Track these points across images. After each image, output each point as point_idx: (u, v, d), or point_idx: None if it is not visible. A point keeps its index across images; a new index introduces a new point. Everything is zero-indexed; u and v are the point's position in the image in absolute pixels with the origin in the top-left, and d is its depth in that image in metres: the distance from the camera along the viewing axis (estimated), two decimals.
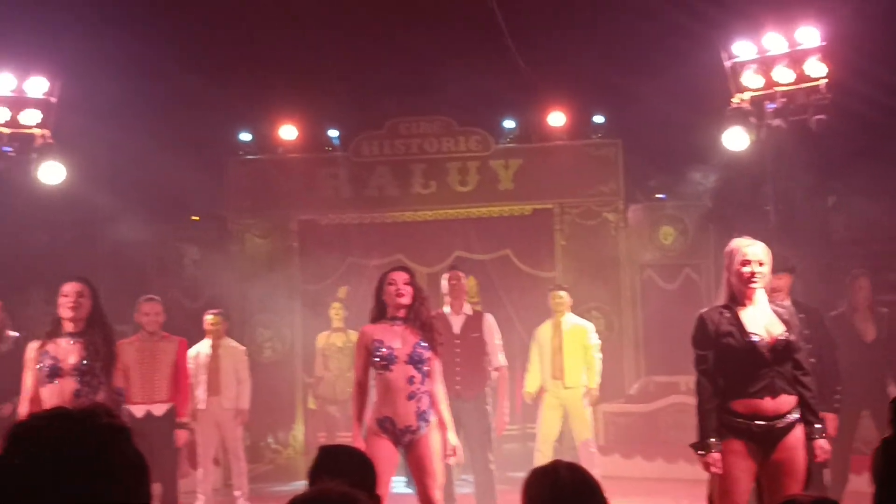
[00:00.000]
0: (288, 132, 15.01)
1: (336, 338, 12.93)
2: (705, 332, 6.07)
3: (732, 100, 12.15)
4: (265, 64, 14.84)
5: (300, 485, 3.46)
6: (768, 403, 5.92)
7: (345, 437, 13.09)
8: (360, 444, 6.62)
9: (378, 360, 7.05)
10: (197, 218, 15.55)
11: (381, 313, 7.23)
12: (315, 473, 3.41)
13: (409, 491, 10.31)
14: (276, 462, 14.47)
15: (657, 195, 15.39)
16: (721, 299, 6.22)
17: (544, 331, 11.37)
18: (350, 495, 2.38)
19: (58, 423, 1.83)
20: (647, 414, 12.52)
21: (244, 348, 11.30)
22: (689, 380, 12.59)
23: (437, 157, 15.07)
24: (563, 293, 11.57)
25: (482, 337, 10.17)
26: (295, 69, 14.80)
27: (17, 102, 12.43)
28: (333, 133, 15.20)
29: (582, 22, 14.97)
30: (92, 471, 1.78)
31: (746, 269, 6.13)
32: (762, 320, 6.09)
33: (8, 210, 13.03)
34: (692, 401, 11.48)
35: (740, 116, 12.08)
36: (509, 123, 15.13)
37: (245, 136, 15.19)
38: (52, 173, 12.46)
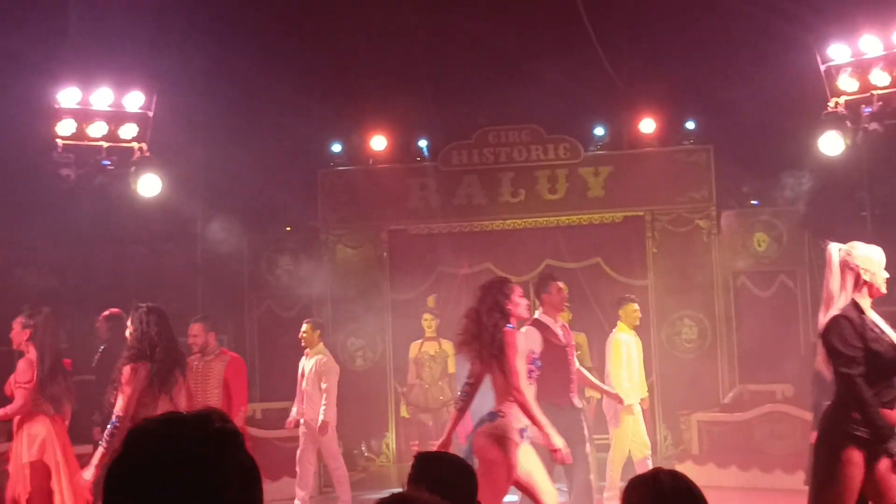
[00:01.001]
0: (378, 143, 15.18)
1: (429, 346, 13.10)
2: (854, 333, 5.80)
3: (828, 104, 12.01)
4: (356, 75, 15.05)
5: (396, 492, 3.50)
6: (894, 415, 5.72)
7: (435, 446, 13.20)
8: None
9: (533, 369, 7.04)
10: (289, 229, 15.76)
11: (506, 323, 7.02)
12: (413, 480, 3.42)
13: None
14: (369, 470, 14.60)
15: (750, 201, 15.21)
16: (840, 303, 5.96)
17: (631, 342, 11.22)
18: None
19: (173, 427, 1.87)
20: (742, 423, 12.37)
21: (328, 358, 11.22)
22: (784, 388, 12.53)
23: (526, 166, 15.09)
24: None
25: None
26: (385, 80, 14.95)
27: (116, 117, 12.81)
28: (423, 143, 15.33)
29: (672, 27, 14.91)
30: (205, 475, 1.81)
31: (886, 275, 5.99)
32: (885, 327, 5.91)
33: (109, 223, 13.40)
34: (788, 409, 11.46)
35: (836, 120, 11.96)
36: (599, 131, 15.09)
37: (336, 148, 15.39)
38: (149, 186, 12.81)
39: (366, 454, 14.89)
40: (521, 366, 6.81)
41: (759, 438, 12.22)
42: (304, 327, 11.17)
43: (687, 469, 12.29)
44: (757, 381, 13.27)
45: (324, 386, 10.83)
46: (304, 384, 11.08)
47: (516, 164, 15.09)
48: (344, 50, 15.28)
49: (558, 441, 6.91)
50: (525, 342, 7.07)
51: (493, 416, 6.86)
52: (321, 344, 11.09)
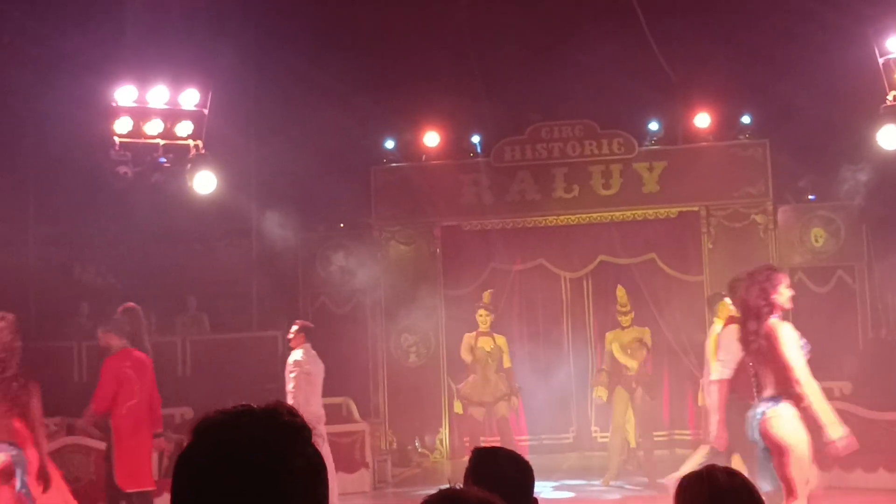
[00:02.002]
0: (431, 139, 15.22)
1: (484, 342, 13.08)
2: None
3: (886, 97, 11.86)
4: (408, 72, 15.09)
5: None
6: None
7: (489, 441, 13.23)
8: None
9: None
10: (343, 225, 15.86)
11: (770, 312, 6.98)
12: (471, 476, 3.43)
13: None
14: (423, 466, 14.67)
15: (807, 196, 15.06)
16: None
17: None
18: (485, 501, 2.30)
19: (243, 419, 1.86)
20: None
21: (305, 358, 11.19)
22: (843, 385, 12.40)
23: (579, 161, 15.05)
24: None
25: None
26: (437, 76, 14.99)
27: (172, 114, 12.95)
28: (475, 139, 15.35)
29: (727, 20, 14.80)
30: (272, 469, 1.81)
31: None
32: None
33: (165, 220, 13.57)
34: (846, 407, 11.31)
35: (894, 114, 11.80)
36: (653, 125, 15.02)
37: (389, 144, 15.46)
38: (204, 183, 12.94)
39: (420, 450, 14.95)
40: (794, 355, 6.84)
41: (815, 437, 12.10)
42: (293, 328, 11.20)
43: (739, 464, 12.22)
44: (814, 378, 13.11)
45: (290, 387, 10.84)
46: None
47: (569, 160, 15.06)
48: (397, 46, 15.34)
49: (837, 431, 6.89)
50: (794, 331, 7.05)
51: (777, 399, 6.87)
52: (307, 345, 11.08)
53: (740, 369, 8.34)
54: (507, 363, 12.97)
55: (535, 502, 3.46)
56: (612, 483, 12.27)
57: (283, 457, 1.84)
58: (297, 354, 10.90)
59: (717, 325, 9.83)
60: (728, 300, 9.74)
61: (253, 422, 1.87)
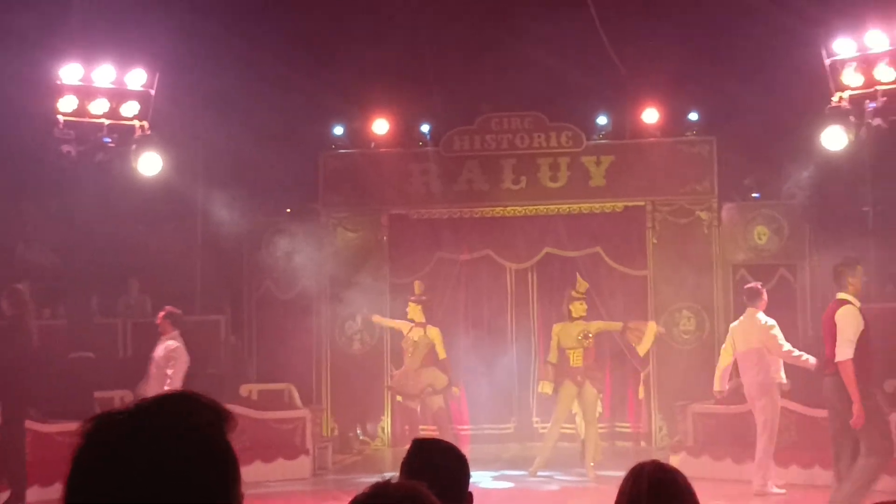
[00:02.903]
0: (380, 127, 15.16)
1: (415, 333, 12.99)
2: None
3: (832, 98, 12.00)
4: (359, 59, 15.03)
5: (387, 477, 3.51)
6: None
7: (426, 431, 13.25)
8: None
9: None
10: (290, 210, 15.78)
11: None
12: (406, 467, 3.44)
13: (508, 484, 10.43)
14: (364, 453, 14.67)
15: (752, 194, 15.21)
16: None
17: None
18: (414, 496, 2.29)
19: (146, 414, 1.76)
20: (737, 415, 12.37)
21: (179, 345, 11.20)
22: (782, 383, 12.50)
23: (527, 153, 15.08)
24: None
25: None
26: (388, 64, 14.95)
27: (117, 94, 12.80)
28: (425, 128, 15.33)
29: (677, 18, 14.89)
30: (181, 462, 1.71)
31: None
32: None
33: (109, 200, 13.40)
34: (785, 403, 11.46)
35: (839, 115, 11.95)
36: (602, 119, 15.09)
37: (338, 131, 15.39)
38: (150, 164, 12.80)
39: (361, 437, 14.95)
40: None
41: (754, 431, 12.22)
42: (161, 314, 11.22)
43: (682, 460, 12.32)
44: None
45: (169, 372, 10.87)
46: (151, 367, 11.13)
47: (518, 152, 15.09)
48: (348, 32, 15.27)
49: None
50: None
51: None
52: (176, 332, 11.09)
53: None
54: (441, 354, 12.86)
55: (469, 496, 3.47)
56: (540, 473, 12.34)
57: (193, 450, 1.74)
58: (172, 342, 10.94)
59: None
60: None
61: (157, 415, 1.77)
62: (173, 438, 1.73)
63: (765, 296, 11.40)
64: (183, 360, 11.07)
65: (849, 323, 8.80)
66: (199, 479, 1.73)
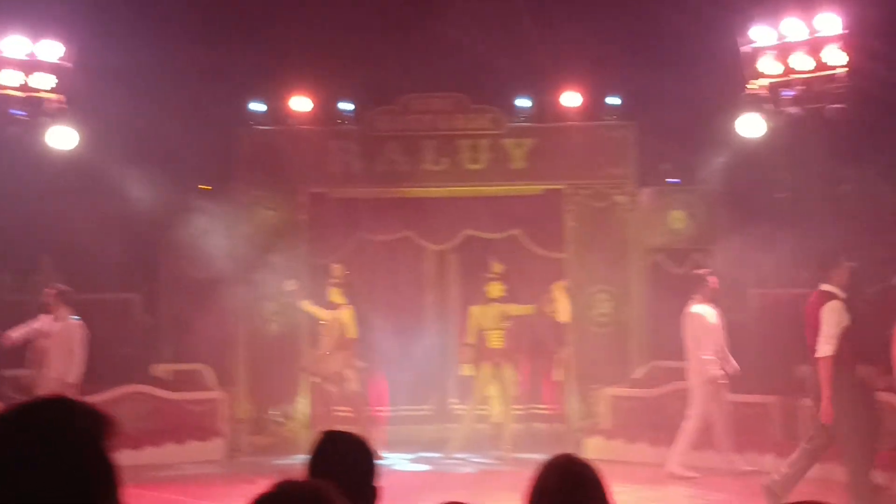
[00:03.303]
0: (301, 104, 14.98)
1: (329, 314, 12.89)
2: None
3: (748, 86, 12.14)
4: (280, 34, 14.83)
5: (302, 458, 3.50)
6: None
7: (342, 413, 13.21)
8: None
9: None
10: (207, 188, 15.54)
11: None
12: (313, 461, 3.41)
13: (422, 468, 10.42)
14: (280, 435, 14.51)
15: (669, 179, 15.36)
16: None
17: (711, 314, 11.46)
18: (317, 496, 2.24)
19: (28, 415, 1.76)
20: (652, 399, 12.55)
21: (77, 323, 11.07)
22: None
23: (449, 134, 15.03)
24: None
25: None
26: (310, 41, 14.77)
27: (30, 66, 12.47)
28: (346, 106, 15.18)
29: (599, 2, 14.94)
30: (41, 472, 1.70)
31: None
32: None
33: (20, 176, 13.09)
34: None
35: (756, 103, 12.12)
36: (523, 102, 15.09)
37: (257, 107, 15.18)
38: (63, 139, 12.51)
39: (277, 419, 14.81)
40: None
41: (668, 415, 12.38)
42: (49, 293, 11.10)
43: (596, 443, 12.47)
44: (669, 358, 13.44)
45: (78, 350, 10.77)
46: (47, 344, 11.03)
47: (440, 133, 15.04)
48: (269, 8, 15.07)
49: None
50: None
51: None
52: (66, 308, 10.98)
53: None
54: (352, 334, 12.74)
55: (375, 490, 3.45)
56: (456, 455, 12.36)
57: (66, 457, 1.73)
58: (75, 318, 10.82)
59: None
60: None
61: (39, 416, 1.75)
62: (46, 445, 1.70)
63: (705, 283, 11.54)
64: (86, 339, 10.90)
65: (832, 320, 8.75)
66: (71, 486, 1.72)
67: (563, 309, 12.73)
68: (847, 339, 8.74)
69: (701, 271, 11.87)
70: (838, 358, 8.71)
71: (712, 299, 11.51)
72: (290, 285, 13.50)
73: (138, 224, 14.60)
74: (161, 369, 13.70)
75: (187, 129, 14.05)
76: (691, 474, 11.19)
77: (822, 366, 8.73)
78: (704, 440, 11.56)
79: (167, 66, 14.41)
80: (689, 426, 11.29)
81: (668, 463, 11.32)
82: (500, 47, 14.04)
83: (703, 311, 11.43)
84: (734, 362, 11.40)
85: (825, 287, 8.95)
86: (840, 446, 8.90)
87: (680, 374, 12.64)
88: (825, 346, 8.74)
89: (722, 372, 11.32)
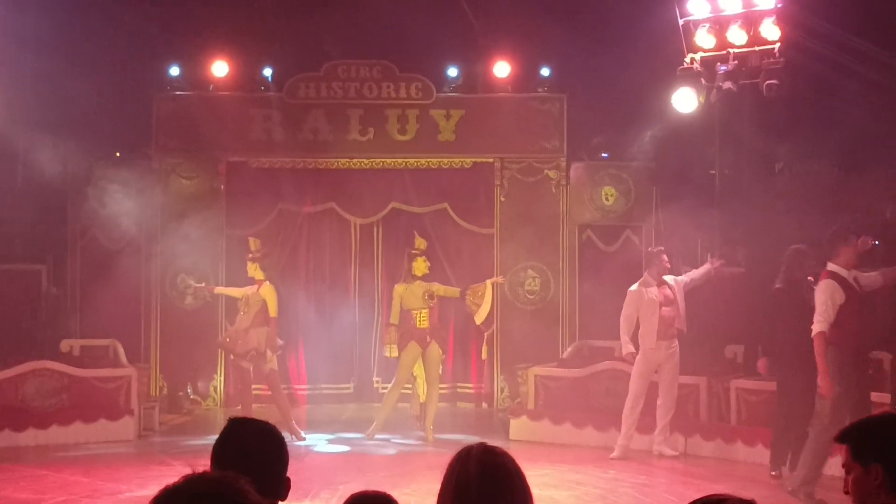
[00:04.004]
0: (220, 69, 14.59)
1: (250, 289, 12.49)
2: None
3: (684, 60, 12.02)
4: None
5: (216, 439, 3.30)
6: None
7: (259, 391, 12.91)
8: None
9: None
10: (120, 154, 15.08)
11: None
12: (219, 451, 3.25)
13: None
14: (195, 413, 14.21)
15: (600, 154, 15.25)
16: None
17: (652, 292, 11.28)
18: (224, 490, 2.13)
19: None
20: (579, 379, 12.40)
21: None
22: (617, 346, 12.58)
23: (376, 103, 14.78)
24: None
25: None
26: (231, 2, 14.42)
27: None
28: (268, 72, 14.84)
29: None
30: None
31: None
32: None
33: None
34: (626, 368, 11.52)
35: (690, 77, 11.96)
36: (452, 72, 14.86)
37: (174, 71, 14.76)
38: None
39: (192, 397, 14.51)
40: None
41: (596, 396, 12.28)
42: None
43: (522, 424, 12.31)
44: (597, 337, 13.36)
45: None
46: None
47: (366, 101, 14.80)
48: None
49: None
50: None
51: None
52: None
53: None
54: (272, 313, 12.34)
55: (286, 481, 3.27)
56: (377, 436, 12.14)
57: None
58: None
59: None
60: None
61: None
62: None
63: (657, 260, 11.46)
64: None
65: (823, 297, 8.92)
66: None
67: (484, 309, 12.48)
68: (842, 317, 8.90)
69: (654, 249, 11.73)
70: (832, 336, 8.87)
71: (660, 277, 11.41)
72: (199, 286, 13.20)
73: (47, 192, 14.14)
74: (69, 344, 13.27)
75: (100, 93, 13.66)
76: (671, 452, 11.20)
77: (815, 343, 8.89)
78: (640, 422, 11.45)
79: (78, 27, 13.91)
80: (626, 407, 11.29)
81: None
82: (429, 13, 13.77)
83: (642, 290, 11.31)
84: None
85: (830, 266, 9.11)
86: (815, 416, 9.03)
87: (609, 354, 12.55)
88: (816, 325, 8.91)
89: (654, 348, 11.23)
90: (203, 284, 13.24)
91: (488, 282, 12.62)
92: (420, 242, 12.36)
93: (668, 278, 11.44)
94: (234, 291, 12.82)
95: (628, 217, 14.70)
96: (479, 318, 12.67)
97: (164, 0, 14.54)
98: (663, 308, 11.23)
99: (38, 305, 13.97)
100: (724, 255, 12.24)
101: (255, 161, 14.86)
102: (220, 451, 3.27)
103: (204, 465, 2.43)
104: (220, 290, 13.44)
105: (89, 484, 9.90)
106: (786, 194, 13.42)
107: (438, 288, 12.37)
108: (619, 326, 11.38)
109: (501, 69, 14.62)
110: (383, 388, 13.78)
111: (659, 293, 11.30)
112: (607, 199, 14.71)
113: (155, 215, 14.49)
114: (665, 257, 11.48)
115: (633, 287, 11.40)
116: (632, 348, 11.27)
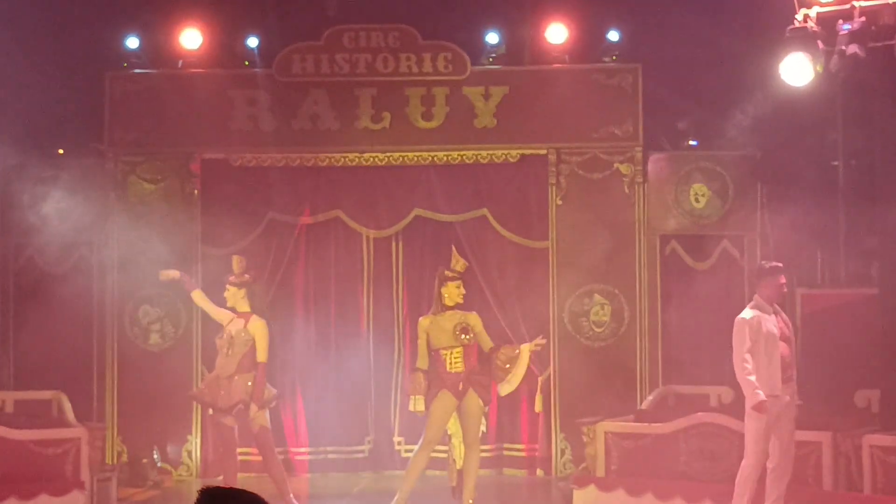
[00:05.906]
0: (191, 39, 14.78)
1: (234, 325, 12.48)
2: None
3: (795, 17, 12.00)
4: None
5: None
6: None
7: (245, 456, 12.94)
8: None
9: None
10: (63, 152, 15.31)
11: None
12: None
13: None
14: (164, 486, 14.36)
15: (688, 142, 15.27)
16: None
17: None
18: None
19: None
20: (663, 437, 12.37)
21: None
22: (722, 392, 12.51)
23: (392, 81, 14.94)
24: None
25: None
26: None
27: None
28: (253, 42, 15.01)
29: None
30: None
31: None
32: None
33: None
34: (725, 421, 11.44)
35: (804, 40, 11.92)
36: (492, 38, 14.95)
37: (132, 43, 14.94)
38: None
39: (159, 465, 14.60)
40: None
41: (684, 458, 12.23)
42: None
43: (589, 496, 12.31)
44: (687, 382, 13.33)
45: None
46: None
47: (380, 78, 14.98)
48: None
49: None
50: None
51: None
52: None
53: None
54: (261, 356, 12.33)
55: None
56: None
57: None
58: None
59: None
60: None
61: None
62: None
63: (771, 280, 11.21)
64: None
65: None
66: None
67: (514, 379, 12.30)
68: None
69: (768, 264, 11.53)
70: None
71: (773, 303, 11.18)
72: (169, 274, 12.98)
73: None
74: (0, 398, 13.40)
75: (36, 72, 13.85)
76: None
77: None
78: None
79: None
80: (741, 476, 11.07)
81: None
82: None
83: (759, 318, 11.11)
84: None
85: None
86: None
87: (702, 403, 12.48)
88: None
89: (779, 395, 11.05)
90: (179, 275, 13.01)
91: (524, 347, 12.33)
92: (458, 263, 12.23)
93: None
94: (219, 313, 12.69)
95: (725, 224, 14.72)
96: (505, 389, 12.44)
97: None
98: (781, 344, 11.07)
99: None
100: (852, 273, 12.14)
101: (238, 158, 15.07)
102: None
103: None
104: (199, 296, 12.99)
105: None
106: None
107: (476, 321, 12.18)
108: (735, 366, 11.13)
109: (556, 34, 14.68)
110: (408, 452, 13.81)
111: (778, 322, 11.12)
112: (697, 201, 14.73)
113: (109, 229, 14.67)
114: (783, 278, 11.26)
115: (746, 314, 11.17)
116: (762, 395, 11.02)
